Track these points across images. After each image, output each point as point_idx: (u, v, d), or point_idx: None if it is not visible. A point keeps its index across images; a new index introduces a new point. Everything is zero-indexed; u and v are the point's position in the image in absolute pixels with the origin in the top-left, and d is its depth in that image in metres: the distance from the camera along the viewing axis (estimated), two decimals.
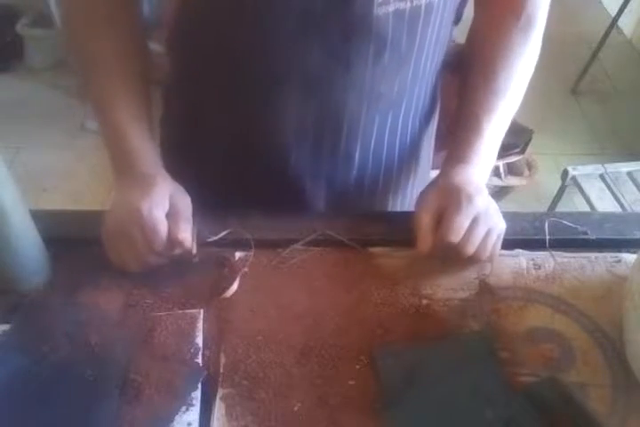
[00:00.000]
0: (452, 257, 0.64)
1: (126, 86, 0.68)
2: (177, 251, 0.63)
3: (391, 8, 0.60)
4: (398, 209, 0.84)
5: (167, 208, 0.62)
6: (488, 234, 0.63)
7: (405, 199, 0.85)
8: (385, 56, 0.64)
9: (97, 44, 0.67)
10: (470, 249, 0.62)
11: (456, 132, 0.70)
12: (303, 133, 0.70)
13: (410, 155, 0.80)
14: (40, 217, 0.62)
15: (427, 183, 0.84)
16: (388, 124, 0.73)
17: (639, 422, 0.53)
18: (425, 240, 0.63)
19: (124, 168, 0.66)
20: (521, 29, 0.69)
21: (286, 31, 0.61)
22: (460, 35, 0.80)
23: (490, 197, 0.66)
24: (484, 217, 0.63)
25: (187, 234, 0.62)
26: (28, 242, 0.61)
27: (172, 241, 0.61)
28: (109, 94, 0.67)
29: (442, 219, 0.63)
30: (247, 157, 0.75)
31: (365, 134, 0.72)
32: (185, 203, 0.65)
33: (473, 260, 0.64)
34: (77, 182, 2.14)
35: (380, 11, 0.60)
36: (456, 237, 0.61)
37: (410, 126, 0.76)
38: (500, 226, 0.64)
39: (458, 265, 0.66)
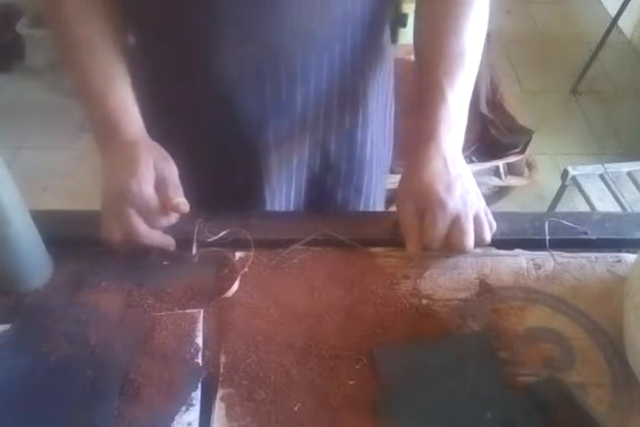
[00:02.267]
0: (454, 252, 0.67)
1: (107, 57, 0.69)
2: (173, 220, 0.66)
3: None
4: (344, 156, 0.86)
5: (154, 180, 0.64)
6: (476, 219, 0.65)
7: (354, 145, 0.86)
8: None
9: (79, 23, 0.68)
10: (469, 244, 0.64)
11: (420, 103, 0.71)
12: (245, 79, 0.73)
13: (353, 100, 0.81)
14: (40, 217, 0.62)
15: (384, 138, 0.90)
16: (325, 67, 0.74)
17: (639, 422, 0.53)
18: (414, 244, 0.65)
19: (106, 134, 0.68)
20: None
21: None
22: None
23: (465, 170, 0.67)
24: (463, 210, 0.64)
25: (181, 198, 0.65)
26: (29, 242, 0.61)
27: (170, 209, 0.64)
28: (91, 63, 0.69)
29: (423, 226, 0.65)
30: (197, 107, 0.78)
31: (304, 77, 0.74)
32: (169, 169, 0.67)
33: (479, 244, 0.66)
34: (77, 182, 2.13)
35: None
36: (438, 244, 0.64)
37: (350, 71, 0.77)
38: (481, 206, 0.66)
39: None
